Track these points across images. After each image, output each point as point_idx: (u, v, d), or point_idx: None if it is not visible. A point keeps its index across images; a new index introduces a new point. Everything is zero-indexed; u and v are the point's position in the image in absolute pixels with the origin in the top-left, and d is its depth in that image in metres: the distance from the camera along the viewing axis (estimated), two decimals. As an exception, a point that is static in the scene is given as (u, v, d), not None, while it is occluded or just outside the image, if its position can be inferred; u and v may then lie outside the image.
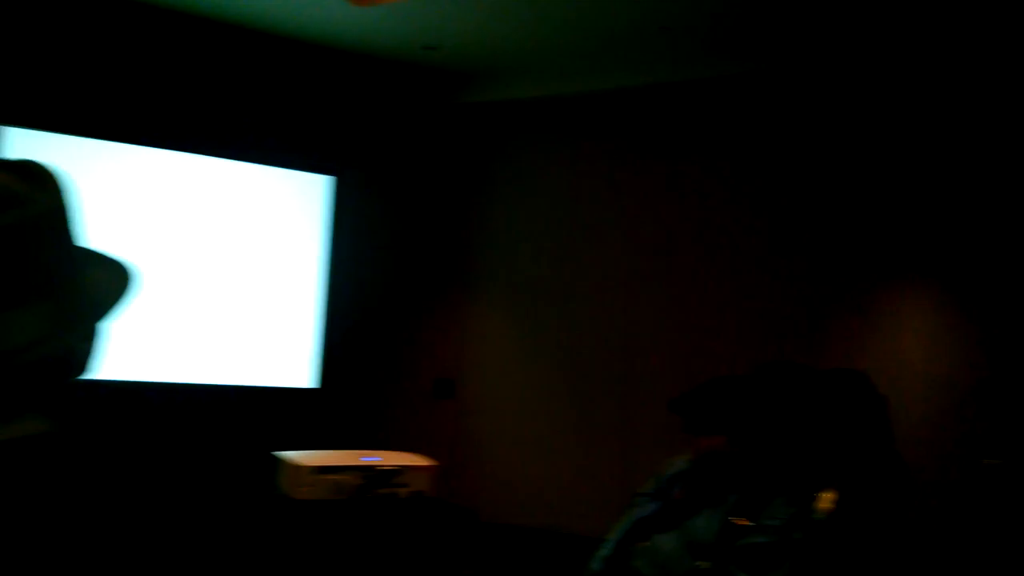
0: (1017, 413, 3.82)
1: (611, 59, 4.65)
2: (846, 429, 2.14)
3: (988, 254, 4.04)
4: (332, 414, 4.77)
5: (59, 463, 0.71)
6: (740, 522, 2.06)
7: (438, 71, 5.03)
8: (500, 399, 5.18)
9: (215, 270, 4.48)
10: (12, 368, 0.68)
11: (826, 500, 2.02)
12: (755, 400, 2.10)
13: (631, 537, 2.25)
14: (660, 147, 4.85)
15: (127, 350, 3.84)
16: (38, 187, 0.70)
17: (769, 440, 2.09)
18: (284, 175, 4.71)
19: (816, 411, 2.14)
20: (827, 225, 4.40)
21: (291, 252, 4.72)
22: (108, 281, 0.77)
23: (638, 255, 4.85)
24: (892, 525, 2.11)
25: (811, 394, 2.17)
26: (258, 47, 4.59)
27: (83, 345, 0.75)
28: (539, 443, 5.01)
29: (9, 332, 0.67)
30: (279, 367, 4.62)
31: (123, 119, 4.26)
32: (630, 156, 4.93)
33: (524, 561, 4.68)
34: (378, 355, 5.13)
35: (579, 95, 5.03)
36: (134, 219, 4.21)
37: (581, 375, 4.94)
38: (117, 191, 4.18)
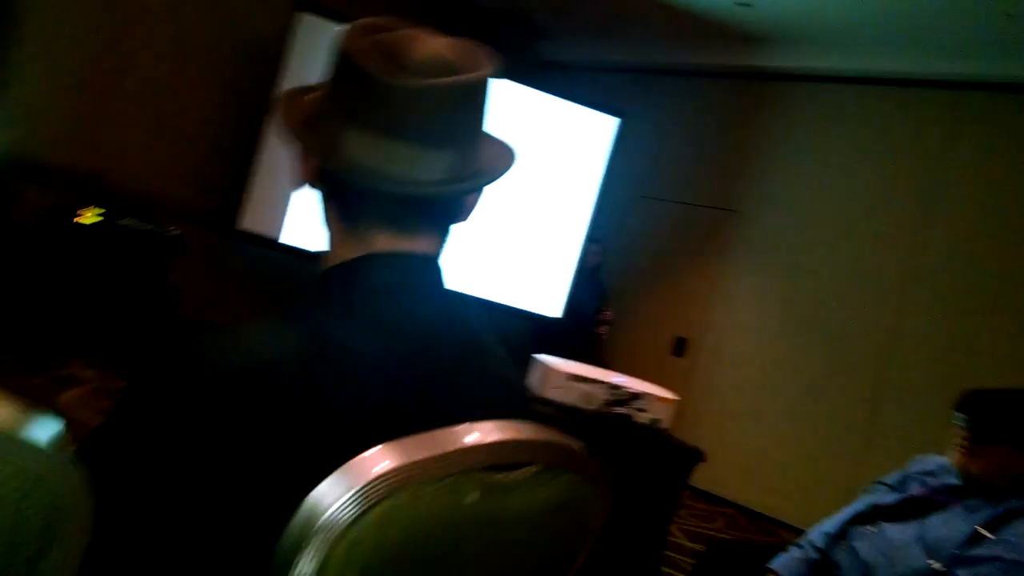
0: None
1: (933, 43, 4.33)
2: None
3: None
4: (571, 346, 5.00)
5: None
6: (986, 534, 1.96)
7: (742, 31, 4.95)
8: (735, 367, 5.13)
9: (503, 194, 4.81)
10: (417, 196, 0.84)
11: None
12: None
13: (860, 519, 2.20)
14: (962, 144, 4.46)
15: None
16: (474, 61, 0.86)
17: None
18: (578, 111, 4.88)
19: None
20: None
21: (572, 188, 4.93)
22: (496, 153, 0.93)
23: (911, 251, 4.54)
24: None
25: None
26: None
27: (467, 196, 0.92)
28: (762, 421, 4.92)
29: (427, 168, 0.83)
30: (536, 293, 4.90)
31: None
32: (929, 149, 4.59)
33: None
34: (624, 300, 5.27)
35: (886, 76, 4.73)
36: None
37: (826, 361, 4.75)
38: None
